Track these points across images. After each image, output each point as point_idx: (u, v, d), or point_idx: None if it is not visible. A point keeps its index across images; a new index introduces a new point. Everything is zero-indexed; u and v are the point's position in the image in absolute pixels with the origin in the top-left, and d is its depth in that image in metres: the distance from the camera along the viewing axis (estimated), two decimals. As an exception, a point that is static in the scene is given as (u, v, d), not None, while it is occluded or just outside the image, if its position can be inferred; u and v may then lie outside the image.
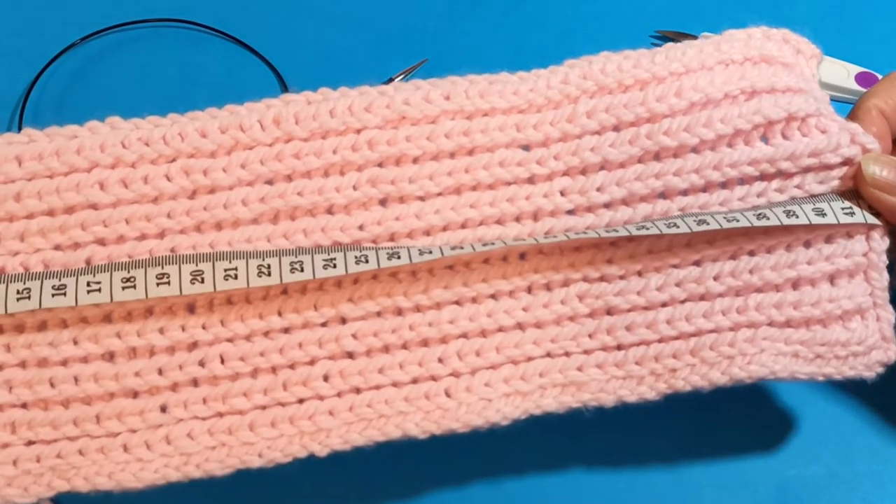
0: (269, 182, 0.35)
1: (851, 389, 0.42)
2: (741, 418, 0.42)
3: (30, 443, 0.33)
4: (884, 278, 0.38)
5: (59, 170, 0.34)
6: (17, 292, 0.33)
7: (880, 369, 0.38)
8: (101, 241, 0.34)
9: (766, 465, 0.41)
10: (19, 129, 0.45)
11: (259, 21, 0.52)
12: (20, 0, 0.51)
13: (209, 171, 0.35)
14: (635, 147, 0.36)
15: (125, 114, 0.42)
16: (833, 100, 0.45)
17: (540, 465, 0.41)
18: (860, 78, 0.52)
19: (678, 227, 0.36)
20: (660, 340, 0.37)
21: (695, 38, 0.47)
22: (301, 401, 0.35)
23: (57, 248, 0.34)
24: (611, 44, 0.49)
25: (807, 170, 0.37)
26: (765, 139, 0.37)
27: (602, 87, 0.37)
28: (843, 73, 0.52)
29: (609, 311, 0.37)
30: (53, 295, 0.33)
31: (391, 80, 0.50)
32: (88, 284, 0.33)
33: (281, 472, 0.35)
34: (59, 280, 0.33)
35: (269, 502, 0.40)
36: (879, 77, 0.50)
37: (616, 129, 0.36)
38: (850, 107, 0.41)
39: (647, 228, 0.36)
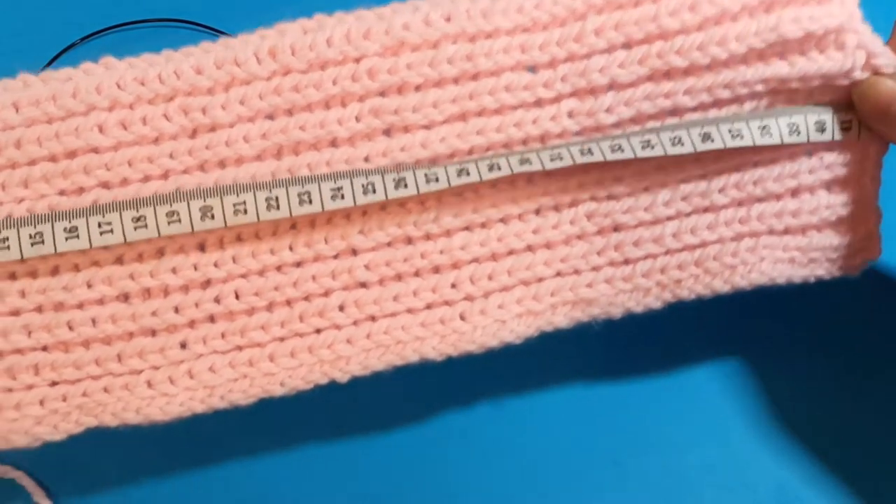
0: (270, 117, 0.35)
1: (852, 389, 0.42)
2: (741, 418, 0.42)
3: (54, 383, 0.34)
4: (877, 183, 0.38)
5: (56, 114, 0.34)
6: (30, 237, 0.33)
7: (865, 267, 0.39)
8: (106, 185, 0.34)
9: (766, 465, 0.41)
10: None
11: (259, 21, 0.50)
12: (20, 0, 0.50)
13: (208, 108, 0.34)
14: (645, 67, 0.36)
15: None
16: None
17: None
18: None
19: (683, 144, 0.36)
20: (666, 253, 0.37)
21: None
22: (318, 331, 0.36)
23: (62, 193, 0.34)
24: None
25: (818, 87, 0.37)
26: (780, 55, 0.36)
27: (611, 2, 0.36)
28: None
29: (617, 228, 0.37)
30: (67, 238, 0.33)
31: None
32: (100, 226, 0.33)
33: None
34: (70, 222, 0.33)
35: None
36: None
37: (626, 47, 0.36)
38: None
39: (653, 147, 0.35)
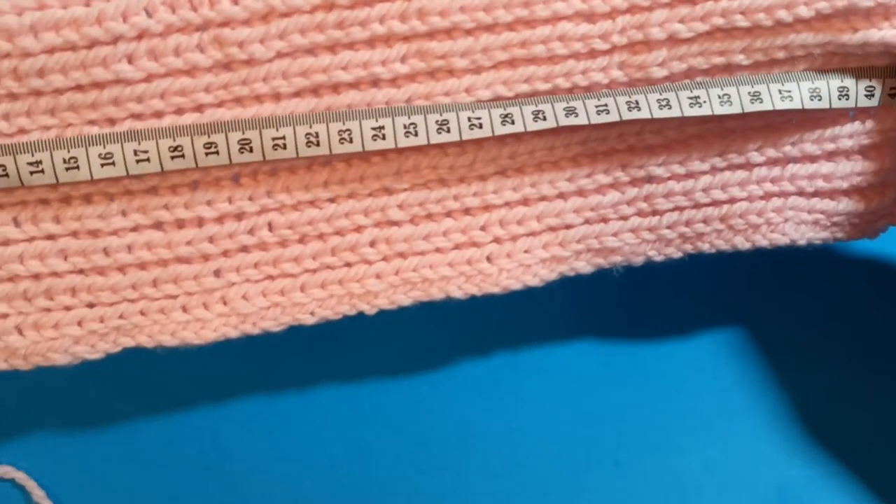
0: (311, 53, 0.33)
1: (852, 388, 0.43)
2: (741, 417, 0.42)
3: (91, 305, 0.35)
4: None
5: (80, 43, 0.31)
6: (64, 161, 0.32)
7: (884, 231, 0.40)
8: (138, 117, 0.33)
9: (766, 465, 0.41)
10: None
11: None
12: None
13: (245, 43, 0.32)
14: (706, 24, 0.34)
15: None
16: None
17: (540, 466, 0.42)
18: None
19: (731, 104, 0.35)
20: (693, 206, 0.38)
21: None
22: (349, 265, 0.36)
23: (91, 123, 0.32)
24: None
25: (874, 54, 0.35)
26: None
27: None
28: None
29: (649, 180, 0.37)
30: (102, 165, 0.32)
31: None
32: (136, 153, 0.32)
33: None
34: (105, 147, 0.32)
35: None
36: None
37: (690, 2, 0.33)
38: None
39: (701, 106, 0.35)
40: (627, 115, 0.34)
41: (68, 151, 0.32)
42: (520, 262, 0.37)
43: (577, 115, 0.34)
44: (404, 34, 0.33)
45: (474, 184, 0.36)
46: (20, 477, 0.40)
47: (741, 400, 0.42)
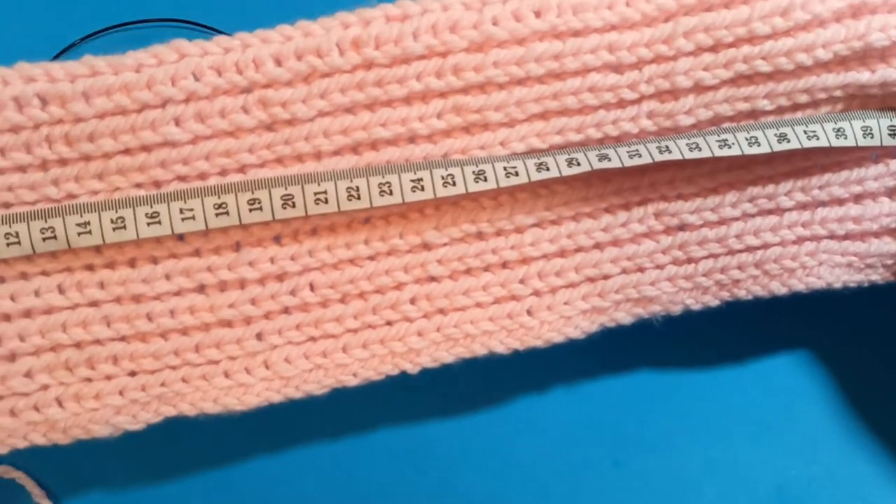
0: (350, 112, 0.34)
1: (852, 389, 0.43)
2: (741, 417, 0.42)
3: (133, 373, 0.34)
4: None
5: (130, 107, 0.32)
6: (112, 221, 0.32)
7: None
8: (183, 179, 0.33)
9: (766, 465, 0.41)
10: None
11: (259, 22, 0.47)
12: (20, 0, 0.49)
13: (288, 103, 0.33)
14: (730, 71, 0.35)
15: None
16: None
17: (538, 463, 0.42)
18: None
19: (759, 144, 0.36)
20: (728, 253, 0.38)
21: None
22: (390, 323, 0.36)
23: (138, 186, 0.33)
24: None
25: (893, 94, 0.36)
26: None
27: (703, 1, 0.34)
28: None
29: (682, 228, 0.38)
30: (149, 224, 0.32)
31: None
32: (181, 211, 0.33)
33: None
34: (151, 207, 0.33)
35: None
36: None
37: (713, 50, 0.35)
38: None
39: (730, 147, 0.35)
40: (659, 157, 0.35)
41: (116, 212, 0.32)
42: (560, 315, 0.37)
43: (609, 160, 0.34)
44: (440, 90, 0.34)
45: (512, 236, 0.36)
46: (20, 477, 0.39)
47: (741, 400, 0.42)
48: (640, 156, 0.35)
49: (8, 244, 0.32)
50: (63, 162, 0.32)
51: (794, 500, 0.41)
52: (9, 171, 0.32)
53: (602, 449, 0.42)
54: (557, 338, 0.37)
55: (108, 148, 0.32)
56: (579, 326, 0.37)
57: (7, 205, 0.32)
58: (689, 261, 0.38)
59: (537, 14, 0.34)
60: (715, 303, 0.39)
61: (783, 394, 0.43)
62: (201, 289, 0.35)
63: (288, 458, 0.41)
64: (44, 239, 0.32)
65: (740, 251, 0.38)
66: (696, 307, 0.39)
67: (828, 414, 0.43)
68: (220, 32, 0.45)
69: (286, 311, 0.35)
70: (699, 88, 0.36)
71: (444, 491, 0.41)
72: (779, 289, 0.39)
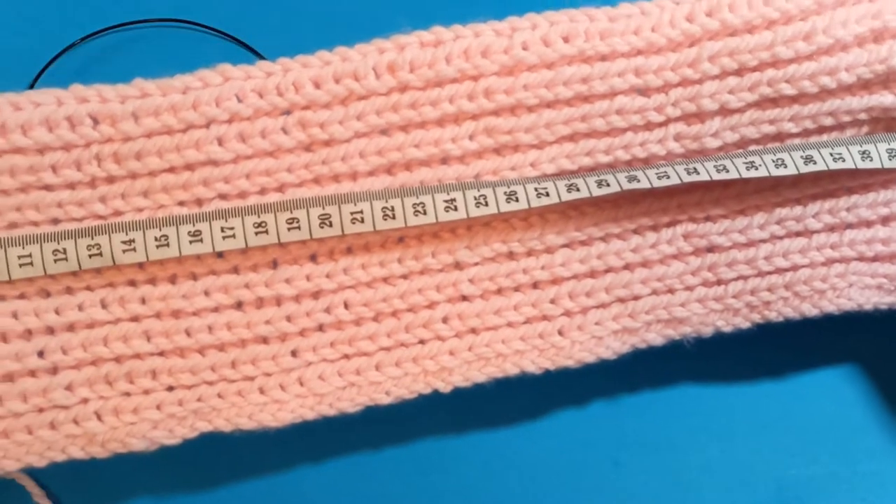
0: (385, 133, 0.35)
1: (852, 389, 0.43)
2: (741, 417, 0.42)
3: (170, 388, 0.35)
4: None
5: (176, 126, 0.34)
6: (156, 239, 0.33)
7: None
8: (224, 197, 0.35)
9: (766, 465, 0.41)
10: None
11: (259, 21, 0.50)
12: (20, 0, 0.50)
13: (326, 124, 0.35)
14: (755, 94, 0.36)
15: None
16: None
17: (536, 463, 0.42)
18: None
19: (786, 166, 0.36)
20: (757, 275, 0.38)
21: None
22: (422, 342, 0.37)
23: (181, 204, 0.34)
24: None
25: None
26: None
27: (727, 26, 0.35)
28: None
29: (711, 249, 0.38)
30: (191, 242, 0.33)
31: None
32: (222, 230, 0.34)
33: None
34: (194, 225, 0.34)
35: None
36: None
37: (737, 74, 0.36)
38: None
39: (757, 168, 0.36)
40: (686, 179, 0.36)
41: (160, 230, 0.33)
42: (592, 335, 0.37)
43: (638, 181, 0.35)
44: (472, 112, 0.35)
45: (542, 257, 0.37)
46: (19, 476, 0.39)
47: (741, 400, 0.42)
48: (668, 177, 0.36)
49: (56, 260, 0.33)
50: (111, 179, 0.34)
51: (794, 500, 0.41)
52: (58, 188, 0.34)
53: (602, 449, 0.42)
54: (589, 358, 0.37)
55: (154, 166, 0.34)
56: (611, 347, 0.38)
57: (55, 221, 0.34)
58: (719, 282, 0.38)
59: (565, 39, 0.35)
60: (746, 325, 0.39)
61: (783, 393, 0.43)
62: (239, 305, 0.35)
63: (290, 461, 0.41)
64: (90, 256, 0.33)
65: (770, 273, 0.38)
66: (727, 329, 0.39)
67: (828, 414, 0.42)
68: (220, 32, 0.48)
69: (321, 328, 0.36)
70: (725, 111, 0.37)
71: (444, 489, 0.41)
72: (810, 310, 0.39)
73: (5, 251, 0.33)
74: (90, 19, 0.49)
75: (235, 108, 0.34)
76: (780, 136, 0.37)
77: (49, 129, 0.33)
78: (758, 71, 0.36)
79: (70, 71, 0.48)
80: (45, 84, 0.46)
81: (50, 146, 0.33)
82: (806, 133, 0.37)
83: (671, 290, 0.38)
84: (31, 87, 0.47)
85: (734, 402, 0.42)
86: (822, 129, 0.37)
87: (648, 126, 0.37)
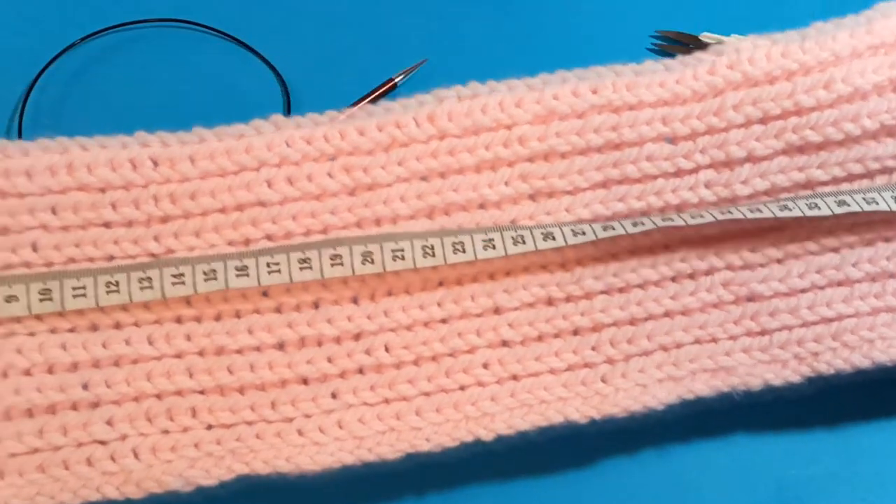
0: (425, 178, 0.37)
1: (852, 389, 0.41)
2: (741, 418, 0.42)
3: (209, 427, 0.35)
4: None
5: (230, 169, 0.36)
6: (204, 273, 0.35)
7: None
8: (270, 237, 0.36)
9: (766, 465, 0.41)
10: (19, 128, 0.47)
11: (259, 21, 0.51)
12: (20, 0, 0.51)
13: (369, 168, 0.36)
14: (781, 141, 0.37)
15: (125, 115, 0.45)
16: None
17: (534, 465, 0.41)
18: None
19: (819, 209, 0.37)
20: (802, 325, 0.38)
21: (695, 38, 0.49)
22: (463, 388, 0.36)
23: (230, 243, 0.36)
24: (611, 43, 0.51)
25: None
26: None
27: (749, 78, 0.37)
28: None
29: (752, 298, 0.38)
30: (237, 276, 0.34)
31: (391, 80, 0.49)
32: (268, 266, 0.35)
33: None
34: (241, 261, 0.35)
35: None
36: None
37: (762, 122, 0.38)
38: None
39: (790, 210, 0.37)
40: (721, 217, 0.36)
41: (208, 264, 0.35)
42: (636, 382, 0.37)
43: (673, 220, 0.36)
44: (508, 159, 0.37)
45: (581, 303, 0.37)
46: None
47: (741, 399, 0.40)
48: (702, 217, 0.36)
49: (108, 292, 0.34)
50: (165, 219, 0.36)
51: (794, 500, 0.40)
52: (116, 226, 0.35)
53: (602, 449, 0.41)
54: (635, 406, 0.36)
55: (206, 206, 0.36)
56: (656, 396, 0.37)
57: (111, 257, 0.35)
58: (763, 332, 0.38)
59: (594, 91, 0.37)
60: (796, 378, 0.38)
61: (783, 393, 0.40)
62: (281, 345, 0.36)
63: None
64: (141, 288, 0.35)
65: (815, 323, 0.38)
66: (778, 382, 0.38)
67: (828, 414, 0.42)
68: (220, 32, 0.49)
69: (361, 370, 0.36)
70: (753, 158, 0.38)
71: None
72: (861, 361, 0.37)
73: (61, 283, 0.34)
74: (90, 19, 0.49)
75: (285, 152, 0.36)
76: (810, 184, 0.38)
77: (112, 168, 0.35)
78: (781, 119, 0.38)
79: (70, 71, 0.49)
80: (45, 84, 0.49)
81: (112, 185, 0.35)
82: (836, 181, 0.38)
83: (714, 339, 0.38)
84: (32, 87, 0.48)
85: (734, 402, 0.40)
86: (851, 177, 0.38)
87: (679, 173, 0.38)
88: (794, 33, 0.39)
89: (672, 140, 0.38)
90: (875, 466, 0.41)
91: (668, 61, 0.38)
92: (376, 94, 0.48)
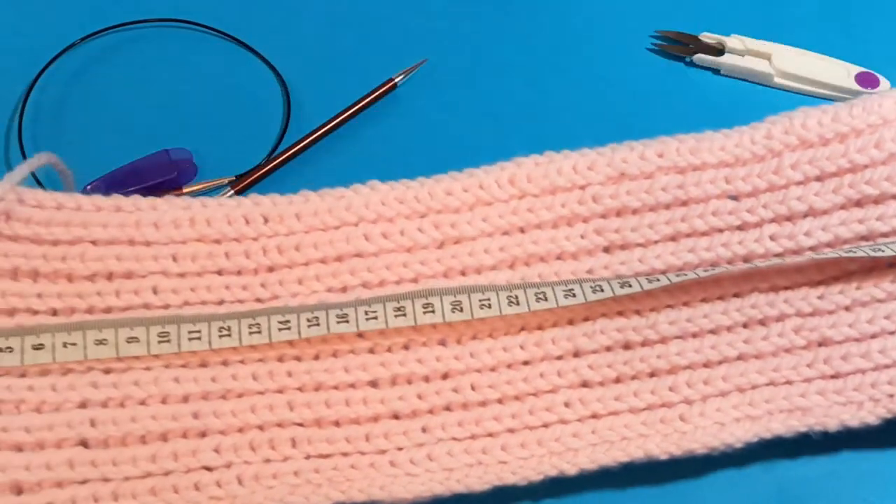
0: (507, 233, 0.40)
1: None
2: None
3: (308, 456, 0.37)
4: None
5: (331, 224, 0.40)
6: (308, 321, 0.38)
7: None
8: (366, 285, 0.39)
9: (766, 465, 0.40)
10: (20, 128, 0.47)
11: (259, 21, 0.51)
12: (20, 0, 0.51)
13: (456, 224, 0.40)
14: (839, 196, 0.40)
15: (125, 115, 0.48)
16: (833, 100, 0.48)
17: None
18: (860, 78, 0.50)
19: (883, 251, 0.39)
20: (874, 369, 0.39)
21: (695, 38, 0.51)
22: (546, 425, 0.38)
23: (329, 290, 0.39)
24: (611, 43, 0.52)
25: None
26: None
27: (804, 141, 0.41)
28: (843, 73, 0.50)
29: (823, 343, 0.39)
30: (338, 322, 0.38)
31: (391, 80, 0.49)
32: (366, 314, 0.38)
33: None
34: (342, 310, 0.38)
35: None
36: (879, 77, 0.50)
37: (819, 179, 0.41)
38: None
39: (854, 253, 0.39)
40: (790, 260, 0.39)
41: (312, 313, 0.38)
42: (714, 421, 0.38)
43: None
44: (583, 216, 0.41)
45: (657, 346, 0.39)
46: None
47: None
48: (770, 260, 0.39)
49: (220, 336, 0.38)
50: (272, 268, 0.39)
51: (794, 500, 0.40)
52: (228, 273, 0.39)
53: None
54: (714, 442, 0.37)
55: (309, 256, 0.39)
56: (734, 434, 0.38)
57: (221, 301, 0.39)
58: (836, 375, 0.39)
59: (660, 155, 0.41)
60: (872, 419, 0.38)
61: None
62: (374, 383, 0.38)
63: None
64: (250, 333, 0.38)
65: (888, 366, 0.39)
66: (854, 423, 0.38)
67: None
68: (220, 32, 0.49)
69: (449, 407, 0.38)
70: (814, 212, 0.41)
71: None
72: None
73: (178, 327, 0.38)
74: (90, 19, 0.49)
75: (380, 210, 0.40)
76: (870, 236, 0.41)
77: (228, 223, 0.39)
78: (837, 175, 0.41)
79: (70, 71, 0.49)
80: (45, 84, 0.49)
81: (226, 237, 0.39)
82: (894, 231, 0.41)
83: (789, 382, 0.39)
84: (32, 87, 0.48)
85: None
86: None
87: (744, 226, 0.41)
88: (842, 104, 0.42)
89: (735, 197, 0.41)
90: (875, 466, 0.40)
91: (726, 130, 0.42)
92: (376, 94, 0.49)
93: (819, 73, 0.50)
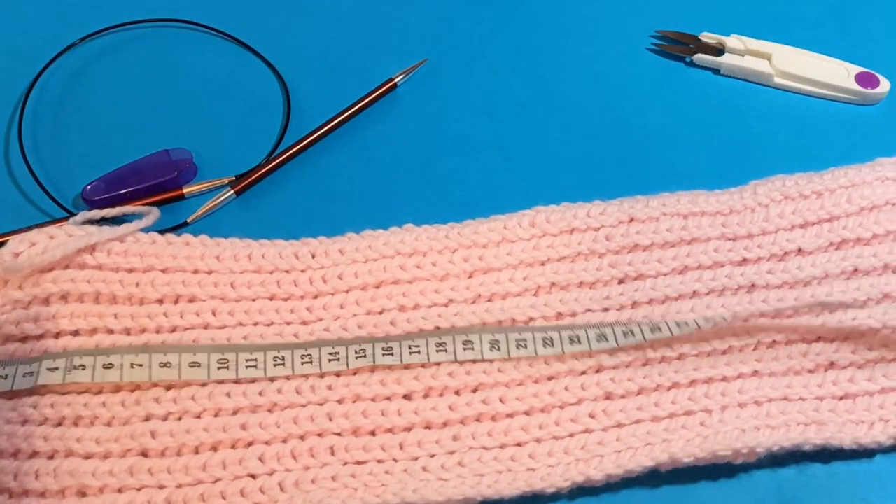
0: (530, 265, 0.44)
1: None
2: None
3: (345, 463, 0.39)
4: None
5: (371, 256, 0.44)
6: (355, 352, 0.41)
7: None
8: (401, 308, 0.43)
9: (766, 465, 0.41)
10: (20, 128, 0.48)
11: (259, 21, 0.52)
12: (20, 0, 0.51)
13: (483, 257, 0.44)
14: (822, 239, 0.44)
15: (125, 115, 0.48)
16: (833, 100, 0.50)
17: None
18: (860, 78, 0.51)
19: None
20: (881, 391, 0.41)
21: (695, 38, 0.52)
22: (572, 434, 0.40)
23: (368, 313, 0.43)
24: (611, 43, 0.53)
25: None
26: None
27: (787, 196, 0.45)
28: (843, 73, 0.51)
29: (831, 366, 0.42)
30: (383, 355, 0.41)
31: (391, 80, 0.50)
32: (409, 348, 0.41)
33: None
34: (387, 343, 0.41)
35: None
36: (879, 77, 0.51)
37: (802, 227, 0.45)
38: (852, 107, 0.47)
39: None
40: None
41: (359, 346, 0.41)
42: (735, 426, 0.40)
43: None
44: (598, 251, 0.44)
45: (674, 363, 0.42)
46: None
47: None
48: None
49: (275, 365, 0.41)
50: (316, 295, 0.43)
51: (794, 500, 0.40)
52: (277, 299, 0.43)
53: None
54: (736, 444, 0.39)
55: (350, 283, 0.43)
56: (759, 440, 0.39)
57: (271, 323, 0.42)
58: (846, 396, 0.41)
59: (664, 204, 0.45)
60: (883, 438, 0.40)
61: None
62: (408, 395, 0.41)
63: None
64: (302, 363, 0.41)
65: (893, 389, 0.41)
66: (866, 441, 0.40)
67: None
68: (220, 32, 0.50)
69: (478, 418, 0.40)
70: (804, 252, 0.44)
71: None
72: None
73: (237, 355, 0.41)
74: (90, 19, 0.49)
75: (415, 245, 0.44)
76: (857, 272, 0.44)
77: (280, 257, 0.44)
78: (818, 224, 0.45)
79: (70, 71, 0.49)
80: (45, 84, 0.49)
81: (279, 268, 0.43)
82: (877, 270, 0.44)
83: (802, 399, 0.41)
84: (31, 87, 0.48)
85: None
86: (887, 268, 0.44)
87: (745, 262, 0.44)
88: (812, 173, 0.46)
89: (733, 239, 0.45)
90: (875, 466, 0.41)
91: (717, 192, 0.46)
92: (376, 94, 0.49)
93: (819, 73, 0.50)
